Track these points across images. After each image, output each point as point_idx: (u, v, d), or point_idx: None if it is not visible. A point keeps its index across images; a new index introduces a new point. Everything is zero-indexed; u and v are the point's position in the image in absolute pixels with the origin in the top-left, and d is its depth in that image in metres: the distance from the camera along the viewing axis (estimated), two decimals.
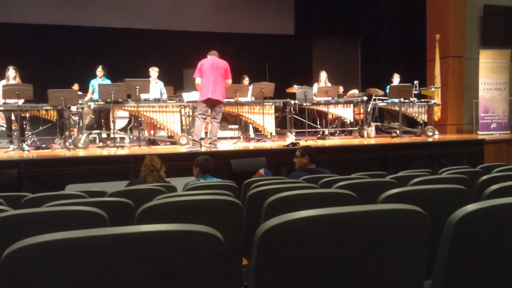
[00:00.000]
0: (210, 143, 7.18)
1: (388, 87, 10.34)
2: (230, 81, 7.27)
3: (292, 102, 8.99)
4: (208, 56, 7.17)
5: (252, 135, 9.62)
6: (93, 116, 9.04)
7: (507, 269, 1.38)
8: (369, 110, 9.58)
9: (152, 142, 8.69)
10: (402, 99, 9.47)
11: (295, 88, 9.53)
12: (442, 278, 1.30)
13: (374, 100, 9.65)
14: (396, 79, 10.33)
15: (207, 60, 7.11)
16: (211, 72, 6.99)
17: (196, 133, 7.16)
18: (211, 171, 4.45)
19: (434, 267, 1.33)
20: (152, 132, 8.97)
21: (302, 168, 4.50)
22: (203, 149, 7.14)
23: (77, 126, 9.42)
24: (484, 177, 2.87)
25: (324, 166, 4.66)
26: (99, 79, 8.89)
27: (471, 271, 1.34)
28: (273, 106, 8.85)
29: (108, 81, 8.85)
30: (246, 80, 9.46)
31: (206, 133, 8.21)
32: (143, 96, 8.09)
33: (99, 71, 8.91)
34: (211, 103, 7.06)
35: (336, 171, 4.53)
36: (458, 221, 1.26)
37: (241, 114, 8.61)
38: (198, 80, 7.07)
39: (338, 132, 10.20)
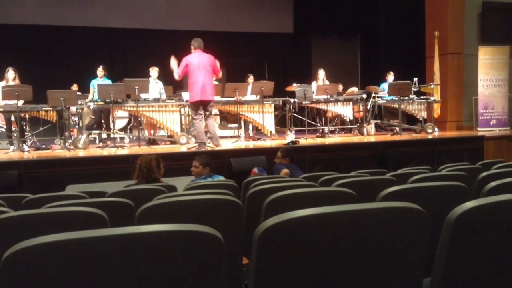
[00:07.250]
0: (212, 141, 7.18)
1: (381, 84, 10.32)
2: (220, 74, 7.31)
3: (292, 100, 8.98)
4: (192, 51, 7.05)
5: (251, 133, 9.63)
6: (93, 117, 9.04)
7: (506, 267, 1.38)
8: (368, 107, 9.58)
9: (152, 141, 8.69)
10: (401, 97, 9.47)
11: (295, 87, 9.52)
12: (441, 276, 1.30)
13: (374, 97, 9.64)
14: (390, 77, 10.28)
15: (194, 58, 6.99)
16: (198, 71, 6.91)
17: (199, 134, 7.14)
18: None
19: (433, 264, 1.34)
20: (152, 131, 8.97)
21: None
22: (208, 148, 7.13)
23: (77, 126, 9.42)
24: (484, 174, 2.86)
25: (324, 164, 4.71)
26: (100, 79, 8.88)
27: (470, 268, 1.34)
28: (272, 105, 8.85)
29: (108, 81, 8.84)
30: (250, 79, 9.43)
31: (205, 132, 8.20)
32: (142, 96, 8.08)
33: (100, 71, 8.90)
34: (203, 104, 7.07)
35: (336, 169, 4.55)
36: (456, 218, 1.26)
37: (240, 113, 8.60)
38: (176, 75, 7.06)
39: (337, 130, 10.20)
